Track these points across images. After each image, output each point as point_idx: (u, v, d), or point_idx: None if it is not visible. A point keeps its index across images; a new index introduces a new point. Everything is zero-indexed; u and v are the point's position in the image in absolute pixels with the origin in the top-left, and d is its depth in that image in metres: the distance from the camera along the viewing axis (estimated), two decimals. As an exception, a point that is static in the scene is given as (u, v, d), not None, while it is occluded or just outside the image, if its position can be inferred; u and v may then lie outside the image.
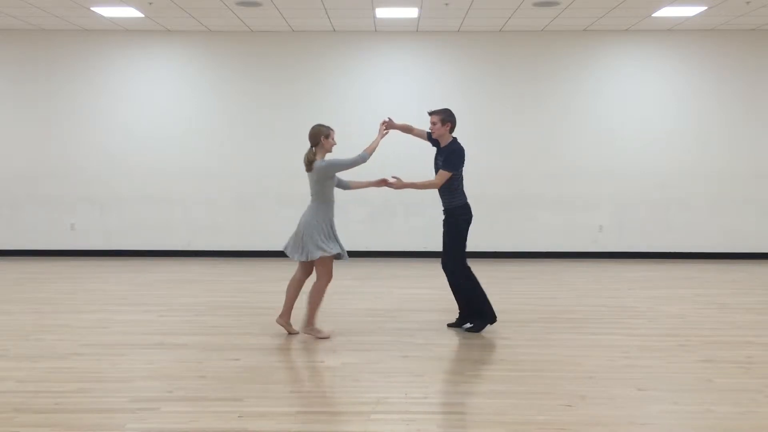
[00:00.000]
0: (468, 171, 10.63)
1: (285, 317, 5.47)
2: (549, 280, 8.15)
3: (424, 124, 5.69)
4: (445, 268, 5.64)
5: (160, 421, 3.62)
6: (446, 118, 5.48)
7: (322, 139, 5.26)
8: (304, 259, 5.28)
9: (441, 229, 5.64)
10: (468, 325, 5.67)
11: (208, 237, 10.04)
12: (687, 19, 9.02)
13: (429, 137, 5.68)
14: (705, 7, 8.44)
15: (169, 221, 10.03)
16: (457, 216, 5.52)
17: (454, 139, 5.53)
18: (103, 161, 9.94)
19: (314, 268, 5.39)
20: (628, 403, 3.94)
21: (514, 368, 4.60)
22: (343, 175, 5.49)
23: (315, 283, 5.38)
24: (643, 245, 9.95)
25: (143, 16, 8.87)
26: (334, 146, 5.35)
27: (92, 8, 8.51)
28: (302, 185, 9.96)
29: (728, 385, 4.26)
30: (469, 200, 5.69)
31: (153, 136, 9.92)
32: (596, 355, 4.92)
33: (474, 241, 9.75)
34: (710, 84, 9.82)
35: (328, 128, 5.33)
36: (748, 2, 8.15)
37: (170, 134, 9.93)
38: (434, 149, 5.64)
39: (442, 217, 5.63)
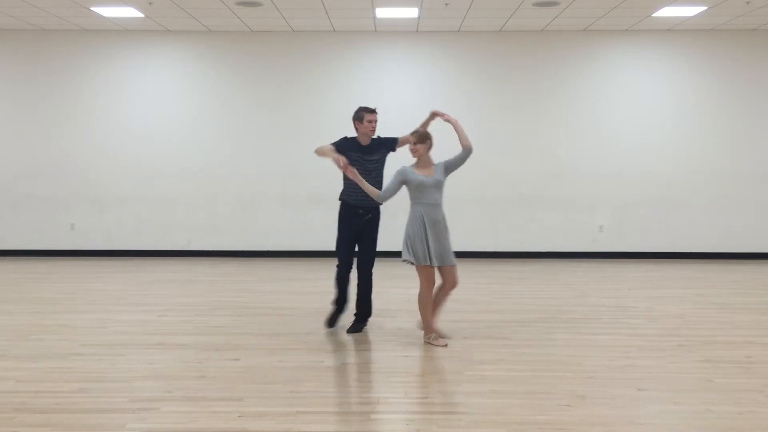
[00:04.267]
0: (468, 171, 10.59)
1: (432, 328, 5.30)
2: (549, 280, 8.14)
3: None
4: (368, 270, 5.57)
5: (160, 421, 3.63)
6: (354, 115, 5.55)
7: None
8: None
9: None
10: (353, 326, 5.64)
11: (208, 237, 10.04)
12: (687, 19, 9.02)
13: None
14: (705, 7, 8.44)
15: (169, 221, 10.02)
16: (378, 214, 5.58)
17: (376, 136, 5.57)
18: (103, 161, 9.94)
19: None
20: (628, 403, 3.94)
21: (514, 368, 4.60)
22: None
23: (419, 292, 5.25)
24: (643, 245, 9.95)
25: (143, 16, 8.87)
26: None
27: (92, 8, 8.52)
28: (303, 185, 10.02)
29: (728, 385, 4.26)
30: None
31: (153, 136, 9.92)
32: (596, 355, 4.92)
33: (474, 241, 9.88)
34: (710, 84, 9.82)
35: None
36: (748, 2, 8.15)
37: (170, 134, 9.93)
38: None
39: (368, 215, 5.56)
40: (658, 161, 9.85)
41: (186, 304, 6.66)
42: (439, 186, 5.16)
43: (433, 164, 5.20)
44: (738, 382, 4.32)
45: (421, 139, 5.16)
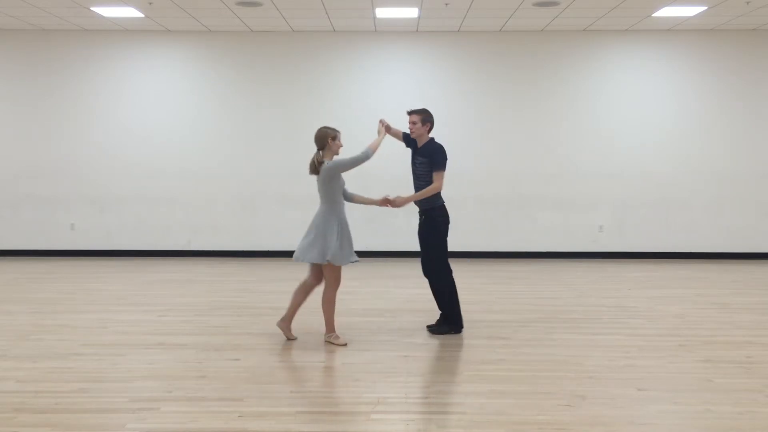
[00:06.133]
0: (468, 171, 10.60)
1: (286, 322, 5.35)
2: (549, 280, 8.15)
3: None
4: (427, 272, 5.55)
5: (160, 421, 3.63)
6: (426, 118, 5.47)
7: (329, 141, 5.12)
8: (319, 260, 5.04)
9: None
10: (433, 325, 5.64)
11: (208, 237, 10.04)
12: (687, 19, 9.02)
13: (405, 137, 5.65)
14: (705, 7, 8.44)
15: (169, 221, 10.02)
16: (436, 217, 5.45)
17: (432, 138, 5.51)
18: (103, 161, 9.94)
19: (323, 272, 5.18)
20: (628, 403, 3.94)
21: (514, 368, 4.60)
22: (349, 188, 5.33)
23: (325, 292, 5.19)
24: (643, 245, 9.95)
25: (143, 16, 8.87)
26: (341, 148, 5.23)
27: (92, 8, 8.52)
28: (303, 185, 9.99)
29: (728, 385, 4.26)
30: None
31: (153, 136, 9.92)
32: (596, 355, 4.92)
33: (474, 241, 9.89)
34: (710, 84, 9.82)
35: (335, 130, 5.19)
36: (748, 2, 8.15)
37: (170, 134, 9.93)
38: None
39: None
40: (658, 161, 9.86)
41: (186, 304, 6.66)
42: (321, 184, 5.16)
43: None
44: (738, 382, 4.32)
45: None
